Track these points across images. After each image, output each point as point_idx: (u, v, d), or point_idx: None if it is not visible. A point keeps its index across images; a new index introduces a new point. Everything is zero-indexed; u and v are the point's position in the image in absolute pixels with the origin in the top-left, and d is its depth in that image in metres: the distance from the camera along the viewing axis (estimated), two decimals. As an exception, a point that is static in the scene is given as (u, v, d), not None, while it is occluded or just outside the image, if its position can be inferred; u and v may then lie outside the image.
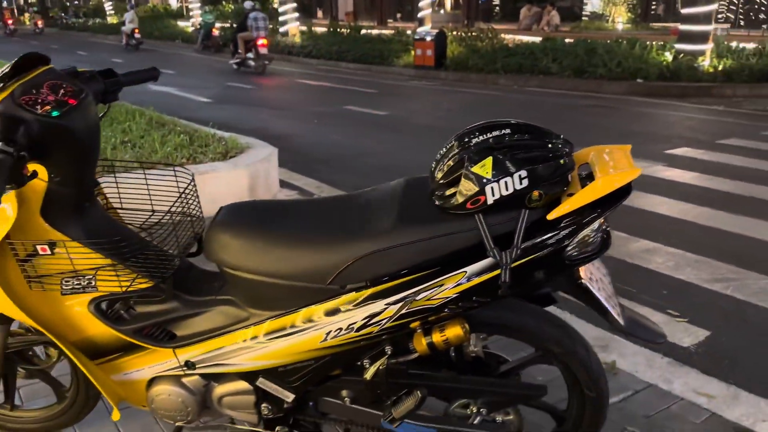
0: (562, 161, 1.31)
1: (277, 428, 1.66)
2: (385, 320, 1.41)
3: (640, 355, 2.50)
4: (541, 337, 1.54)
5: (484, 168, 1.29)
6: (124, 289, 1.55)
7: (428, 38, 15.51)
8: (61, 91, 1.48)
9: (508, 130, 1.34)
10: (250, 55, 14.89)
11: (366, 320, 1.42)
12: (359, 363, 1.56)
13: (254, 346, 1.54)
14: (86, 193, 1.62)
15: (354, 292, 1.42)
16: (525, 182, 1.28)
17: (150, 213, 1.81)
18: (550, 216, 1.30)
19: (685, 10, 11.44)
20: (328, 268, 1.42)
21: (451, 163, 1.35)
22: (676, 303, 3.08)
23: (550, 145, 1.33)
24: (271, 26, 19.14)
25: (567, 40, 14.75)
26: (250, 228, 1.52)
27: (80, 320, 1.62)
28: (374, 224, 1.42)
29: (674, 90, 10.71)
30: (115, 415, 1.70)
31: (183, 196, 1.69)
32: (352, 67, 17.32)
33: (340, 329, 1.44)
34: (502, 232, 1.33)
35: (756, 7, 23.28)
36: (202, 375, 1.65)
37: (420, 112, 9.63)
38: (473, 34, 17.16)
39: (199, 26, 22.53)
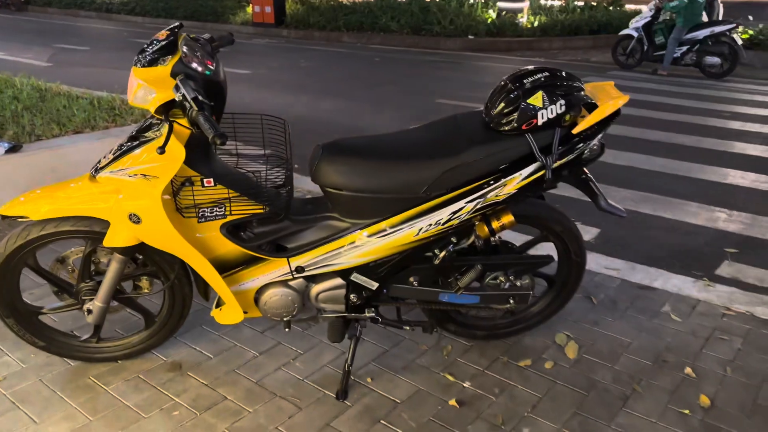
0: (583, 94, 1.96)
1: (366, 310, 2.16)
2: (464, 215, 1.98)
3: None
4: (550, 221, 2.20)
5: (537, 99, 1.89)
6: (263, 210, 1.93)
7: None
8: (198, 54, 1.80)
9: (546, 73, 1.95)
10: None
11: (450, 216, 1.98)
12: (428, 254, 2.11)
13: (357, 247, 2.02)
14: (214, 139, 1.94)
15: (439, 197, 1.96)
16: (563, 108, 1.91)
17: (236, 156, 2.14)
18: (575, 131, 1.95)
19: (504, -28, 12.80)
20: (422, 181, 1.94)
21: (506, 100, 1.94)
22: (570, 212, 3.96)
23: (573, 83, 1.96)
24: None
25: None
26: (353, 157, 1.97)
27: (211, 242, 1.97)
28: (452, 146, 1.96)
29: (501, 44, 12.06)
30: (240, 316, 2.08)
31: (286, 140, 2.04)
32: (185, 24, 16.72)
33: (430, 225, 1.98)
34: (543, 145, 1.95)
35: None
36: (305, 277, 2.09)
37: (281, 69, 9.88)
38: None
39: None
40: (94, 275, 2.14)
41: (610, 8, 13.40)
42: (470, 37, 12.31)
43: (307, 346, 2.43)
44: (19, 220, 1.95)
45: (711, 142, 5.72)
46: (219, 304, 2.18)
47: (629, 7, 13.77)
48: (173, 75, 1.72)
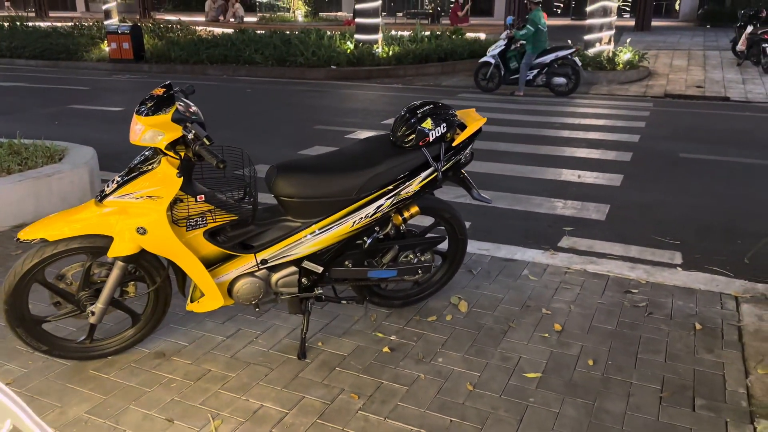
0: (456, 118, 2.80)
1: (315, 289, 2.83)
2: (385, 208, 2.73)
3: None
4: (441, 210, 3.02)
5: (427, 124, 2.70)
6: (235, 218, 2.54)
7: (120, 31, 15.44)
8: (184, 104, 2.39)
9: (431, 105, 2.77)
10: None
11: (375, 210, 2.71)
12: (358, 241, 2.84)
13: (308, 240, 2.69)
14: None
15: (367, 197, 2.70)
16: (445, 129, 2.73)
17: (202, 178, 2.71)
18: (454, 144, 2.78)
19: (358, 6, 13.89)
20: (353, 187, 2.66)
21: (406, 125, 2.73)
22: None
23: (449, 111, 2.80)
24: None
25: (259, 32, 16.27)
26: (300, 173, 2.64)
27: (196, 246, 2.54)
28: (372, 160, 2.70)
29: (362, 73, 13.09)
30: (221, 302, 2.65)
31: (251, 167, 2.64)
32: (34, 64, 16.17)
33: (361, 218, 2.71)
34: (434, 155, 2.76)
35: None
36: (267, 268, 2.72)
37: (156, 106, 10.11)
38: (162, 26, 17.50)
39: None
40: (90, 285, 2.62)
41: (453, 37, 14.98)
42: (333, 67, 13.23)
43: (263, 328, 3.04)
44: (33, 242, 2.42)
45: (548, 149, 6.99)
46: (193, 299, 2.74)
47: (469, 35, 15.47)
48: (175, 121, 2.31)
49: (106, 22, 17.31)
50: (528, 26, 10.27)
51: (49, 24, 19.62)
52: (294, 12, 21.03)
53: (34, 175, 4.50)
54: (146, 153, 2.48)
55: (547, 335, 2.99)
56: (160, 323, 2.81)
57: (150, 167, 2.41)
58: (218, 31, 17.74)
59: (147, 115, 2.33)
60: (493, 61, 10.83)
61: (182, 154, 2.38)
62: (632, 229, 4.59)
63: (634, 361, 2.79)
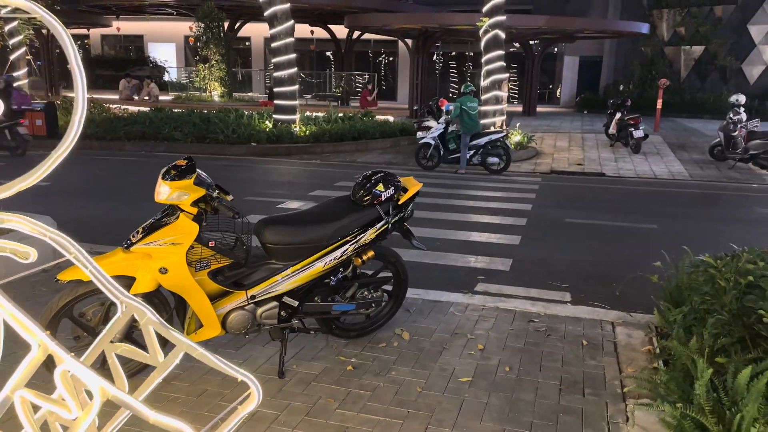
0: (401, 183, 3.66)
1: (293, 320, 3.49)
2: (348, 252, 3.49)
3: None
4: (389, 255, 3.82)
5: (380, 187, 3.54)
6: (233, 261, 3.19)
7: (33, 109, 15.51)
8: (198, 173, 3.09)
9: (382, 173, 3.61)
10: None
11: (341, 254, 3.47)
12: (326, 280, 3.56)
13: (288, 279, 3.38)
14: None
15: (334, 244, 3.45)
16: (393, 190, 3.58)
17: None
18: (400, 203, 3.62)
19: (277, 89, 14.90)
20: (325, 235, 3.41)
21: (364, 188, 3.55)
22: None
23: (395, 177, 3.65)
24: None
25: (176, 110, 16.84)
26: (283, 225, 3.37)
27: (202, 284, 3.16)
28: (338, 215, 3.48)
29: (281, 150, 13.93)
30: (218, 331, 3.24)
31: (243, 220, 3.33)
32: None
33: (331, 260, 3.45)
34: (385, 210, 3.59)
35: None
36: (255, 303, 3.37)
37: (84, 179, 10.38)
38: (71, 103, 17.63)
39: None
40: (108, 321, 3.16)
41: (365, 119, 16.26)
42: (253, 144, 13.99)
43: (244, 358, 3.64)
44: (68, 282, 2.97)
45: (458, 216, 8.03)
46: (188, 332, 3.33)
47: (379, 117, 16.85)
48: (197, 184, 3.00)
49: (18, 99, 17.23)
50: (455, 105, 11.56)
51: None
52: (210, 92, 21.84)
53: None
54: (165, 210, 3.14)
55: (473, 352, 3.80)
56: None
57: (169, 221, 3.06)
58: (133, 109, 18.12)
59: (174, 179, 3.01)
60: (432, 142, 11.97)
61: (201, 208, 3.06)
62: (531, 277, 5.58)
63: (539, 367, 3.64)
